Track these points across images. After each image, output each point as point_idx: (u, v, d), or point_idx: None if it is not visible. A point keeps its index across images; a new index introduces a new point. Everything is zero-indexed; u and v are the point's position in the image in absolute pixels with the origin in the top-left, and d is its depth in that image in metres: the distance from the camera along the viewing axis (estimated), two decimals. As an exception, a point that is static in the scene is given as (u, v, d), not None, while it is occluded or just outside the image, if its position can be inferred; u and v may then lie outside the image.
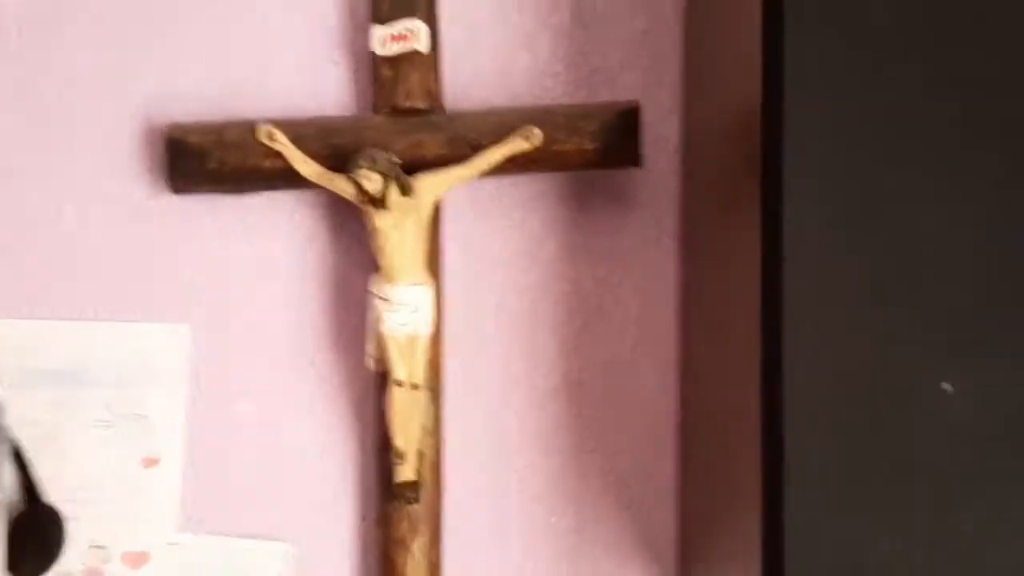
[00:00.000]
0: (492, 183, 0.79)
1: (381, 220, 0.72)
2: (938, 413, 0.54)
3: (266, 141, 0.74)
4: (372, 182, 0.71)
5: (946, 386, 0.54)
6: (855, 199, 0.54)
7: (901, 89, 0.55)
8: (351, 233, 0.80)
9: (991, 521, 0.53)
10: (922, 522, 0.54)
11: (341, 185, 0.73)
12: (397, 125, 0.76)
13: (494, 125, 0.75)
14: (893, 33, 0.55)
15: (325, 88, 0.81)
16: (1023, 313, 0.54)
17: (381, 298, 0.73)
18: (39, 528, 0.73)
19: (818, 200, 0.54)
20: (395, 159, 0.73)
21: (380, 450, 0.76)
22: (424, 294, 0.73)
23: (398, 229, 0.73)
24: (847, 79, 0.55)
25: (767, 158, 0.56)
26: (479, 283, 0.81)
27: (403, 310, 0.72)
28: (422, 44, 0.77)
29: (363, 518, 0.79)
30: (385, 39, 0.77)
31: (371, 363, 0.75)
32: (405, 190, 0.72)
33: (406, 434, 0.73)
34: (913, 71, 0.55)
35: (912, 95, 0.55)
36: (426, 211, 0.74)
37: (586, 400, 0.80)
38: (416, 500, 0.74)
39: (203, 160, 0.76)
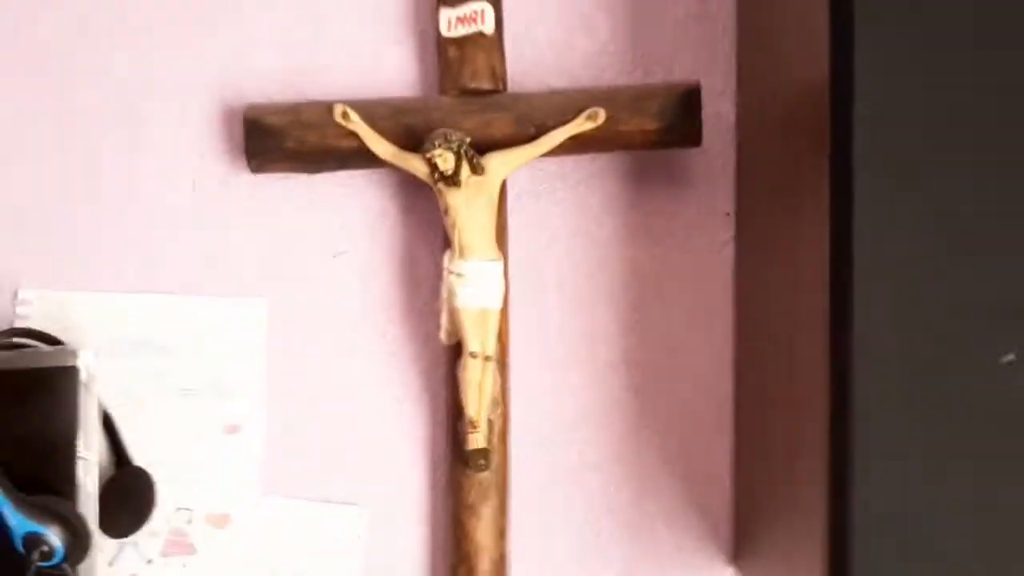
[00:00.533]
0: (552, 163, 0.81)
1: (453, 198, 0.74)
2: (1003, 383, 0.55)
3: (341, 121, 0.76)
4: (445, 161, 0.73)
5: (1010, 359, 0.56)
6: (925, 179, 0.55)
7: (974, 67, 0.55)
8: (419, 211, 0.82)
9: None
10: (988, 497, 0.56)
11: (415, 164, 0.75)
12: (465, 105, 0.77)
13: (559, 105, 0.77)
14: (969, 8, 0.56)
15: (392, 69, 0.82)
16: None
17: (454, 273, 0.74)
18: (130, 489, 0.76)
19: (888, 180, 0.55)
20: (467, 138, 0.74)
21: (451, 419, 0.78)
22: (495, 269, 0.75)
23: (469, 206, 0.74)
24: (919, 57, 0.56)
25: (835, 138, 0.57)
26: (541, 260, 0.82)
27: (475, 284, 0.74)
28: (487, 26, 0.78)
29: (433, 485, 0.82)
30: (452, 21, 0.79)
31: (444, 336, 0.77)
32: (476, 169, 0.74)
33: (478, 404, 0.74)
34: (989, 49, 0.55)
35: (986, 73, 0.55)
36: (495, 189, 0.76)
37: (644, 376, 0.82)
38: (487, 467, 0.76)
39: (281, 139, 0.77)
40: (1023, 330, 0.55)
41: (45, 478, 0.70)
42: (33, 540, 0.66)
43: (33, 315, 0.80)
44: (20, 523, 0.66)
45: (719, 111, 0.81)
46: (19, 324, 0.80)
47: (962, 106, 0.55)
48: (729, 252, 0.82)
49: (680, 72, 0.81)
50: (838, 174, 0.56)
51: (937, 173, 0.55)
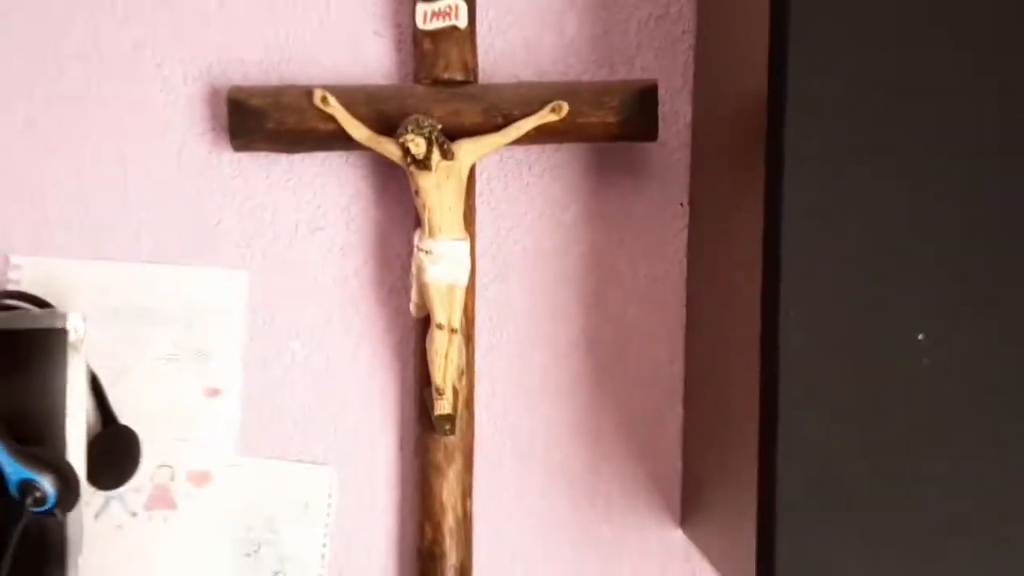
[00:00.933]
0: (520, 151, 0.85)
1: (424, 180, 0.78)
2: (914, 359, 0.61)
3: (320, 105, 0.79)
4: (417, 146, 0.76)
5: (921, 337, 0.62)
6: (847, 176, 0.61)
7: (892, 80, 0.61)
8: (391, 192, 0.86)
9: (957, 456, 0.61)
10: (897, 458, 0.61)
11: (389, 148, 0.78)
12: (437, 94, 0.81)
13: (525, 97, 0.80)
14: (891, 27, 0.61)
15: (370, 58, 0.86)
16: (987, 277, 0.61)
17: (424, 251, 0.78)
18: (115, 446, 0.80)
19: (815, 175, 0.61)
20: (438, 125, 0.78)
21: (419, 387, 0.82)
22: (462, 247, 0.79)
23: (439, 189, 0.78)
24: (845, 68, 0.61)
25: (770, 137, 0.62)
26: (507, 241, 0.86)
27: (443, 262, 0.78)
28: (461, 20, 0.82)
29: (401, 447, 0.86)
30: (427, 15, 0.82)
31: (414, 309, 0.81)
32: (446, 154, 0.77)
33: (444, 372, 0.78)
34: (909, 60, 0.61)
35: (905, 83, 0.61)
36: (464, 173, 0.79)
37: (601, 352, 0.86)
38: (452, 432, 0.80)
39: (262, 120, 0.80)
40: (933, 314, 0.61)
41: (36, 432, 0.74)
42: (27, 486, 0.70)
43: (24, 280, 0.84)
44: (15, 470, 0.70)
45: (676, 108, 0.86)
46: (11, 288, 0.83)
47: (883, 111, 0.61)
48: (683, 239, 0.86)
49: (642, 70, 0.85)
50: (772, 169, 0.61)
51: (859, 170, 0.61)
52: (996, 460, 0.61)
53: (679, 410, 0.86)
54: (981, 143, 0.61)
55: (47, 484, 0.71)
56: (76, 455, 0.76)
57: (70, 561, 0.74)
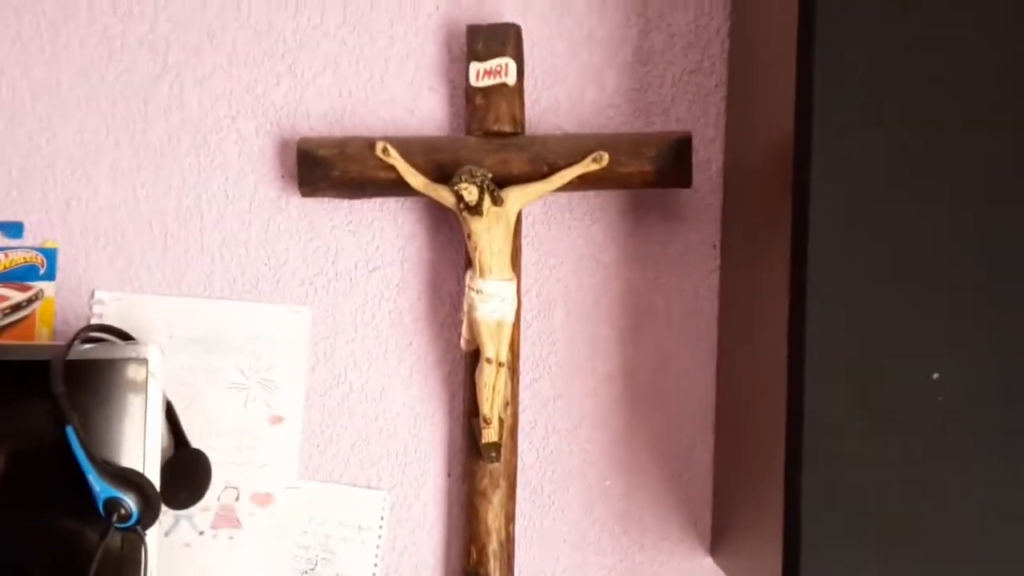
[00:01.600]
0: (564, 197, 0.90)
1: (476, 224, 0.83)
2: (930, 397, 0.65)
3: (381, 155, 0.85)
4: (470, 193, 0.82)
5: (936, 376, 0.66)
6: (870, 221, 0.65)
7: (916, 132, 0.66)
8: (443, 235, 0.92)
9: (964, 475, 0.65)
10: (916, 486, 0.65)
11: (443, 195, 0.84)
12: (488, 145, 0.86)
13: (569, 148, 0.85)
14: (912, 78, 0.66)
15: (427, 112, 0.92)
16: (993, 326, 0.65)
17: (475, 290, 0.83)
18: (187, 468, 0.86)
19: (838, 218, 0.66)
20: (489, 174, 0.83)
21: (467, 417, 0.87)
22: (510, 287, 0.84)
23: (489, 232, 0.83)
24: (869, 116, 0.66)
25: (797, 187, 0.67)
26: (550, 280, 0.91)
27: (493, 300, 0.83)
28: (510, 78, 0.88)
29: (449, 474, 0.91)
30: (480, 72, 0.88)
31: (464, 344, 0.86)
32: (496, 200, 0.83)
33: (491, 403, 0.83)
34: (928, 115, 0.65)
35: (923, 138, 0.65)
36: (512, 218, 0.84)
37: (637, 384, 0.91)
38: (498, 459, 0.85)
39: (328, 169, 0.86)
40: (947, 354, 0.65)
41: (117, 454, 0.80)
42: (113, 504, 0.76)
43: (107, 314, 0.91)
44: (103, 489, 0.76)
45: (708, 156, 0.91)
46: (95, 321, 0.90)
47: (904, 161, 0.66)
48: (715, 279, 0.91)
49: (676, 122, 0.91)
50: (797, 212, 0.66)
51: (880, 216, 0.66)
52: (1007, 487, 0.65)
53: (711, 440, 0.90)
54: (999, 191, 0.65)
55: (131, 502, 0.77)
56: (152, 476, 0.82)
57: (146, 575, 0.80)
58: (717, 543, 0.89)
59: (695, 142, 0.86)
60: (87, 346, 0.83)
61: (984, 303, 0.66)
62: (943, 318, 0.66)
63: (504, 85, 0.88)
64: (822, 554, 0.65)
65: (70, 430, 0.76)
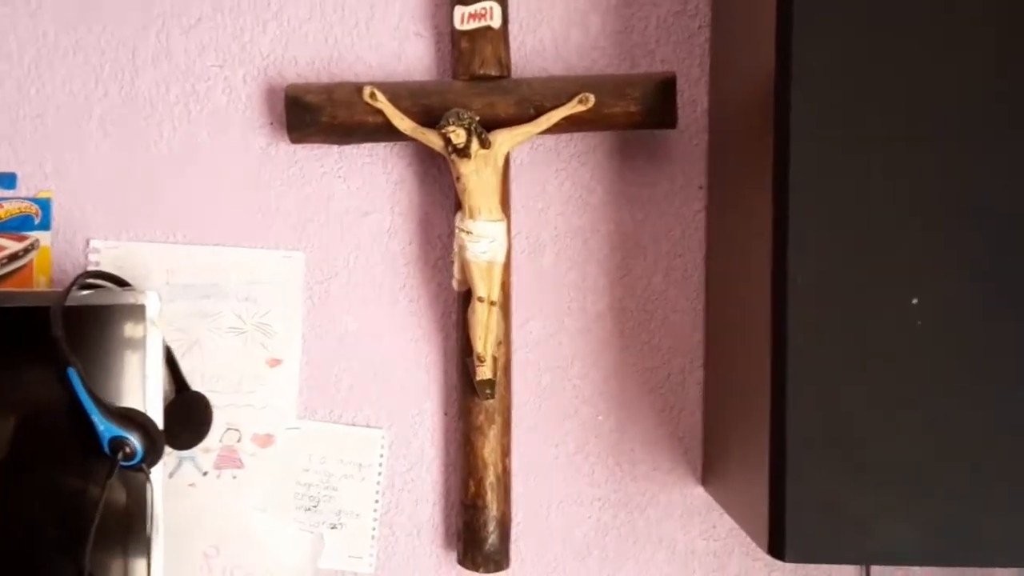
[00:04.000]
0: (550, 139, 0.92)
1: (464, 167, 0.84)
2: (909, 321, 0.67)
3: (369, 100, 0.86)
4: (458, 136, 0.83)
5: (915, 301, 0.68)
6: (848, 152, 0.67)
7: (891, 65, 0.67)
8: (433, 179, 0.93)
9: (946, 398, 0.67)
10: (895, 408, 0.67)
11: (431, 138, 0.85)
12: (475, 89, 0.87)
13: (555, 90, 0.86)
14: (888, 21, 0.66)
15: (413, 57, 0.92)
16: (972, 252, 0.67)
17: (465, 231, 0.84)
18: (189, 411, 0.88)
19: (818, 153, 0.67)
20: (476, 117, 0.84)
21: (461, 355, 0.89)
22: (500, 228, 0.85)
23: (478, 174, 0.84)
24: (846, 61, 0.67)
25: (777, 119, 0.68)
26: (540, 222, 0.93)
27: (483, 241, 0.84)
28: (495, 21, 0.88)
29: (445, 412, 0.93)
30: (464, 16, 0.89)
31: (456, 284, 0.88)
32: (484, 143, 0.84)
33: (484, 342, 0.85)
34: (904, 49, 0.67)
35: (902, 69, 0.67)
36: (500, 160, 0.85)
37: (627, 322, 0.93)
38: (492, 396, 0.87)
39: (317, 115, 0.87)
40: (926, 281, 0.67)
41: (119, 398, 0.82)
42: (118, 443, 0.78)
43: (103, 262, 0.92)
44: (107, 428, 0.78)
45: (694, 97, 0.92)
46: (91, 269, 0.91)
47: (881, 94, 0.67)
48: (701, 219, 0.92)
49: (661, 63, 0.92)
50: (779, 149, 0.67)
51: (859, 149, 0.67)
52: (983, 407, 0.67)
53: (700, 375, 0.92)
54: (973, 119, 0.67)
55: (135, 441, 0.78)
56: (155, 418, 0.83)
57: (152, 513, 0.82)
58: (708, 473, 0.92)
59: (680, 83, 0.87)
60: (85, 292, 0.84)
61: (963, 228, 0.67)
62: (921, 245, 0.67)
63: (489, 28, 0.88)
64: (807, 480, 0.68)
65: (71, 372, 0.78)
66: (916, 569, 0.92)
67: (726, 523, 0.93)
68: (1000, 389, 0.67)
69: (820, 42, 0.67)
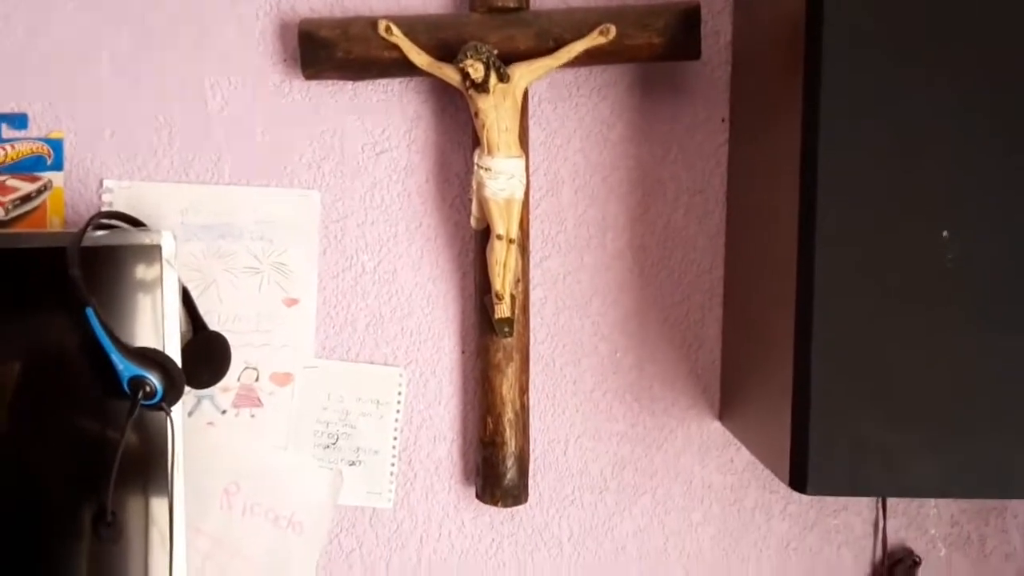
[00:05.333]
0: (569, 74, 0.90)
1: (483, 102, 0.82)
2: (939, 255, 0.66)
3: (384, 35, 0.84)
4: (476, 70, 0.81)
5: (945, 234, 0.67)
6: (879, 91, 0.65)
7: (927, 7, 0.65)
8: (450, 115, 0.91)
9: (969, 335, 0.66)
10: (922, 344, 0.67)
11: (449, 73, 0.83)
12: (492, 21, 0.85)
13: (575, 22, 0.84)
14: None
15: None
16: (1005, 184, 0.66)
17: (483, 168, 0.83)
18: (207, 350, 0.88)
19: (848, 86, 0.66)
20: (494, 50, 0.82)
21: (479, 294, 0.89)
22: (518, 164, 0.84)
23: (496, 110, 0.82)
24: None
25: (808, 58, 0.66)
26: (558, 159, 0.91)
27: (501, 177, 0.83)
28: None
29: (463, 350, 0.93)
30: None
31: (474, 222, 0.87)
32: (503, 77, 0.82)
33: (503, 280, 0.84)
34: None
35: (937, 11, 0.65)
36: (519, 95, 0.84)
37: (647, 259, 0.92)
38: (510, 334, 0.87)
39: (331, 50, 0.85)
40: (956, 215, 0.66)
41: (137, 338, 0.82)
42: (138, 382, 0.78)
43: (116, 203, 0.91)
44: (127, 367, 0.78)
45: (717, 28, 0.90)
46: (104, 209, 0.91)
47: (911, 28, 0.65)
48: (723, 153, 0.91)
49: (684, -8, 0.89)
50: (809, 80, 0.66)
51: (890, 86, 0.66)
52: (1009, 343, 0.67)
53: (719, 312, 0.92)
54: (1007, 57, 0.65)
55: (155, 380, 0.79)
56: (174, 357, 0.83)
57: (173, 452, 0.83)
58: (725, 408, 0.92)
59: (703, 13, 0.85)
60: (100, 233, 0.84)
61: (995, 162, 0.66)
62: (954, 178, 0.66)
63: (507, -41, 0.86)
64: (831, 414, 0.67)
65: (89, 311, 0.78)
66: (931, 500, 0.93)
67: (743, 457, 0.93)
68: (1029, 327, 0.67)
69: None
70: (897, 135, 0.66)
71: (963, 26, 0.65)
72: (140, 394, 0.78)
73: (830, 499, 0.94)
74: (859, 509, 0.94)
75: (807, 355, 0.68)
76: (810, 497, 0.83)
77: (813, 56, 0.66)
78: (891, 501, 0.93)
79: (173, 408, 0.82)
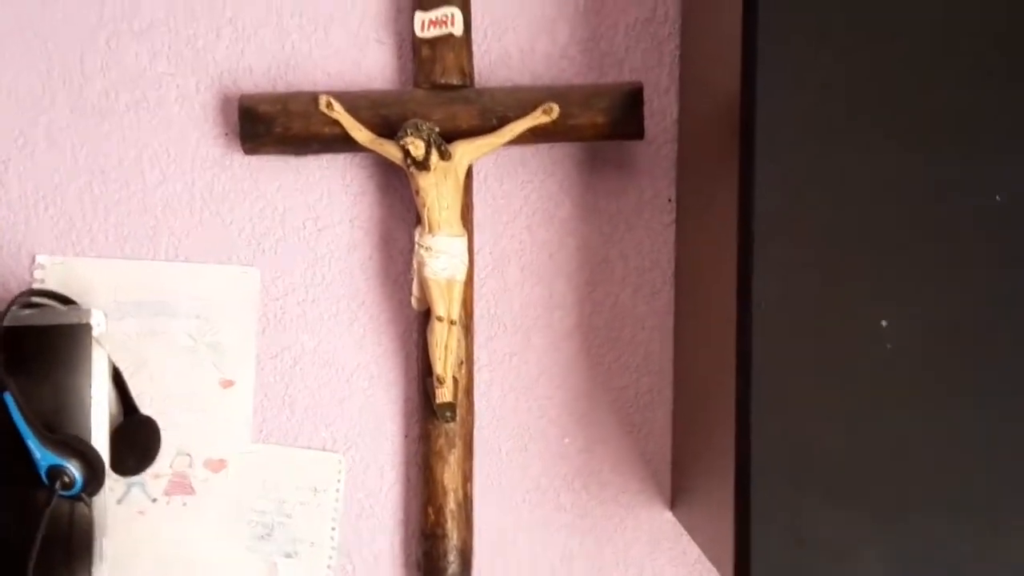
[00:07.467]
0: (516, 151, 0.89)
1: (423, 180, 0.81)
2: (878, 344, 0.65)
3: (325, 110, 0.83)
4: (416, 147, 0.80)
5: (884, 323, 0.65)
6: (814, 173, 0.65)
7: (856, 82, 0.65)
8: (393, 191, 0.90)
9: (911, 422, 0.65)
10: (863, 434, 0.65)
11: (390, 150, 0.82)
12: (436, 98, 0.85)
13: (519, 100, 0.84)
14: (854, 37, 0.65)
15: (372, 65, 0.89)
16: (942, 272, 0.65)
17: (424, 247, 0.81)
18: (137, 435, 0.85)
19: (784, 170, 0.65)
20: (436, 128, 0.82)
21: (421, 377, 0.87)
22: (460, 243, 0.82)
23: (437, 188, 0.81)
24: (810, 75, 0.65)
25: (744, 136, 0.66)
26: (504, 237, 0.90)
27: (443, 257, 0.81)
28: (457, 28, 0.86)
29: (406, 435, 0.90)
30: (425, 23, 0.86)
31: (415, 302, 0.85)
32: (444, 155, 0.81)
33: (444, 362, 0.82)
34: (869, 67, 0.65)
35: (864, 88, 0.65)
36: (461, 173, 0.83)
37: (595, 339, 0.90)
38: (453, 419, 0.84)
39: (271, 125, 0.84)
40: (895, 303, 0.65)
41: (62, 422, 0.79)
42: (56, 472, 0.75)
43: (48, 279, 0.88)
44: (44, 456, 0.75)
45: (663, 107, 0.89)
46: (36, 287, 0.88)
47: (846, 111, 0.65)
48: (670, 232, 0.90)
49: (631, 72, 0.89)
50: (744, 164, 0.65)
51: (824, 168, 0.65)
52: (952, 433, 0.65)
53: (669, 395, 0.90)
54: (941, 139, 0.65)
55: (74, 469, 0.75)
56: (100, 443, 0.80)
57: (96, 543, 0.79)
58: (676, 498, 0.89)
59: (649, 92, 0.85)
60: (27, 311, 0.82)
61: (932, 250, 0.65)
62: (891, 266, 0.65)
63: (451, 36, 0.86)
64: (772, 507, 0.65)
65: (7, 397, 0.75)
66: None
67: (695, 549, 0.90)
68: (970, 413, 0.65)
69: (786, 50, 0.64)
70: (833, 221, 0.65)
71: (901, 110, 0.65)
72: (58, 484, 0.75)
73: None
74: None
75: (747, 446, 0.65)
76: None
77: (748, 139, 0.65)
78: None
79: (100, 497, 0.79)
